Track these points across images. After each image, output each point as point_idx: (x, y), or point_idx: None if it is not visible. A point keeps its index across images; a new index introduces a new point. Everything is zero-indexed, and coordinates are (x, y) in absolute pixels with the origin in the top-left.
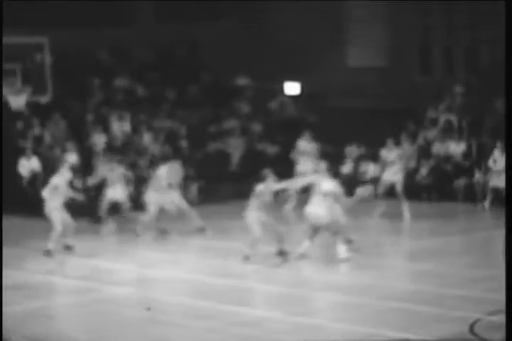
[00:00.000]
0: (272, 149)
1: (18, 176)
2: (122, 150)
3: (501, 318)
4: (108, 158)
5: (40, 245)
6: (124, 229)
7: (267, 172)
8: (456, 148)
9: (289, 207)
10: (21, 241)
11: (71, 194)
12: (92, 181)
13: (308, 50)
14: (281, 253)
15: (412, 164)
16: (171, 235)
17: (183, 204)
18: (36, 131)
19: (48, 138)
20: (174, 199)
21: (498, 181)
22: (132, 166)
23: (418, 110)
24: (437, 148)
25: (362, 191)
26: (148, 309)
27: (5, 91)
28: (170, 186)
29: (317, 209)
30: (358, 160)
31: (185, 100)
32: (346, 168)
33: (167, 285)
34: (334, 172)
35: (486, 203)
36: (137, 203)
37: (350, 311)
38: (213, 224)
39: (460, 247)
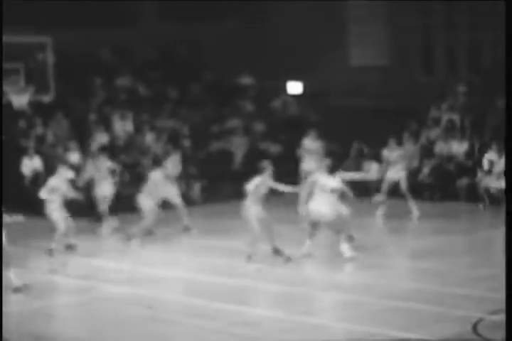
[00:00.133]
0: (274, 148)
1: (20, 175)
2: (125, 150)
3: (503, 317)
4: (96, 157)
5: (41, 244)
6: (125, 228)
7: (266, 164)
8: (458, 147)
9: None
10: (22, 240)
11: (71, 194)
12: (81, 181)
13: (310, 49)
14: (276, 252)
15: (415, 163)
16: (156, 236)
17: (178, 200)
18: (39, 130)
19: (50, 138)
20: (171, 192)
21: (490, 182)
22: (135, 166)
23: (420, 109)
24: (440, 148)
25: (377, 198)
26: (150, 308)
27: (8, 90)
28: (168, 178)
29: (321, 206)
30: (360, 159)
31: (187, 99)
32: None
33: (168, 285)
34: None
35: (481, 205)
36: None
37: (351, 310)
38: (216, 224)
39: (462, 246)
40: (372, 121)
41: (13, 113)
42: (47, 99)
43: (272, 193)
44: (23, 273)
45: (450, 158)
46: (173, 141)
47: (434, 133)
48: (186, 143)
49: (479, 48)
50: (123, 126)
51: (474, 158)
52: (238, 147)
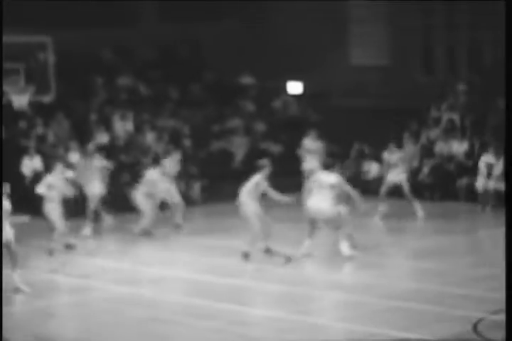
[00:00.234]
0: (275, 148)
1: (20, 175)
2: (125, 150)
3: (504, 317)
4: (90, 156)
5: (41, 244)
6: (125, 227)
7: (265, 162)
8: (458, 147)
9: None
10: (23, 240)
11: (69, 192)
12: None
13: (311, 49)
14: (268, 251)
15: (415, 163)
16: (156, 236)
17: (176, 198)
18: (39, 130)
19: (51, 138)
20: (169, 191)
21: (485, 184)
22: (135, 165)
23: (421, 109)
24: (440, 148)
25: (380, 209)
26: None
27: (8, 90)
28: (166, 176)
29: (320, 202)
30: (360, 160)
31: (188, 99)
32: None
33: (168, 284)
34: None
35: (480, 206)
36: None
37: (351, 310)
38: (216, 223)
39: (462, 246)
40: (372, 121)
41: (13, 113)
42: (47, 99)
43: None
44: (24, 273)
45: (450, 157)
46: (174, 140)
47: (434, 133)
48: (187, 142)
49: (479, 48)
50: (123, 126)
51: (474, 157)
52: (239, 147)
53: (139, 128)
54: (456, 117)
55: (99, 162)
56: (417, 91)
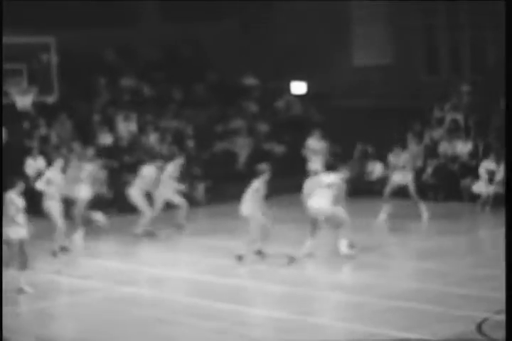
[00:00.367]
0: (278, 148)
1: (24, 176)
2: (129, 151)
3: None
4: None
5: (45, 245)
6: (127, 228)
7: (265, 167)
8: (462, 147)
9: None
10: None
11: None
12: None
13: (314, 49)
14: (259, 253)
15: (419, 164)
16: (159, 236)
17: (179, 199)
18: (42, 131)
19: (54, 138)
20: (170, 193)
21: (481, 187)
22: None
23: (424, 109)
24: (444, 148)
25: (381, 216)
26: None
27: (11, 91)
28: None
29: (319, 201)
30: (364, 160)
31: (191, 100)
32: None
33: (171, 285)
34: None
35: (479, 207)
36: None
37: (352, 310)
38: (219, 224)
39: (465, 247)
40: (375, 122)
41: (16, 114)
42: (50, 99)
43: (273, 193)
44: (27, 273)
45: (454, 158)
46: (178, 141)
47: (438, 133)
48: (190, 143)
49: (483, 48)
50: (127, 127)
51: (478, 158)
52: (242, 147)
53: (142, 129)
54: (459, 117)
55: (91, 166)
56: (420, 91)
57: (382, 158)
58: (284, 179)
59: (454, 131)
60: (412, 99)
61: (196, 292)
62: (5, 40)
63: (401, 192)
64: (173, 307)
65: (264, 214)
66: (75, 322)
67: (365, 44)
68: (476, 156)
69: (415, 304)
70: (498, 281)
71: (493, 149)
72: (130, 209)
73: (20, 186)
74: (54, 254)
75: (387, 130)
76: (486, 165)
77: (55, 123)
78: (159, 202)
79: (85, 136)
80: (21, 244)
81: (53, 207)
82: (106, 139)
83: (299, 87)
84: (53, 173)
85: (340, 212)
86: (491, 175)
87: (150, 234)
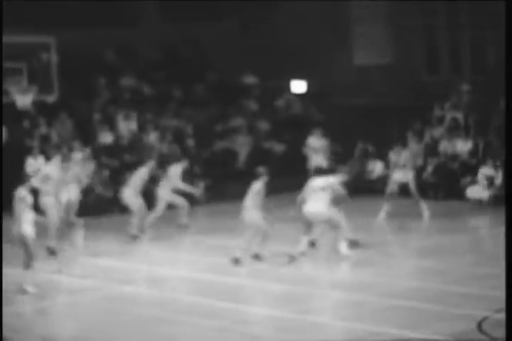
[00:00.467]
0: (278, 147)
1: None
2: (129, 150)
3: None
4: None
5: (46, 244)
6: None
7: (262, 170)
8: (462, 146)
9: None
10: None
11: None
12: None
13: (314, 48)
14: (256, 257)
15: (419, 162)
16: (159, 235)
17: (179, 199)
18: (43, 130)
19: (54, 138)
20: (170, 194)
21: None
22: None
23: (424, 108)
24: (444, 147)
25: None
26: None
27: (11, 90)
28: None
29: (315, 205)
30: (364, 159)
31: (191, 99)
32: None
33: (173, 284)
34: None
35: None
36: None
37: (352, 309)
38: (219, 223)
39: (464, 245)
40: (375, 121)
41: (17, 113)
42: (51, 99)
43: (272, 192)
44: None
45: (454, 156)
46: (178, 140)
47: (438, 131)
48: (190, 142)
49: (483, 47)
50: (127, 126)
51: (478, 157)
52: (242, 146)
53: (142, 128)
54: (459, 116)
55: (77, 167)
56: (420, 90)
57: (383, 157)
58: (284, 178)
59: (454, 130)
60: (412, 98)
61: (196, 291)
62: (5, 39)
63: (402, 191)
64: (174, 306)
65: (265, 218)
66: (76, 322)
67: (365, 43)
68: (476, 155)
69: (415, 303)
70: (498, 280)
71: (492, 148)
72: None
73: (30, 183)
74: (51, 253)
75: (388, 129)
76: (485, 172)
77: (56, 122)
78: (162, 204)
79: (86, 135)
80: (24, 241)
81: (49, 203)
82: (106, 138)
83: (299, 86)
84: (50, 170)
85: (337, 215)
86: (490, 181)
87: (142, 232)
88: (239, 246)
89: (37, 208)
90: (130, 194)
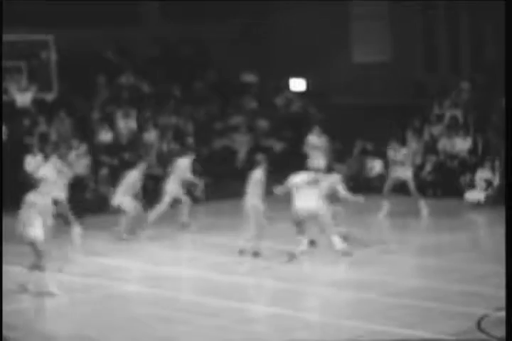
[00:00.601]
0: (278, 145)
1: (24, 173)
2: (129, 148)
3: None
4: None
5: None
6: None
7: (261, 157)
8: (461, 144)
9: None
10: None
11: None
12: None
13: (313, 46)
14: (256, 254)
15: (418, 160)
16: (159, 234)
17: (182, 196)
18: (42, 128)
19: (53, 136)
20: (176, 188)
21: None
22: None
23: (424, 106)
24: (443, 144)
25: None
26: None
27: (11, 88)
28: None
29: (306, 202)
30: (363, 157)
31: (191, 97)
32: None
33: (174, 283)
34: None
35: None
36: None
37: (356, 307)
38: (219, 221)
39: (464, 243)
40: (375, 118)
41: (16, 111)
42: (50, 97)
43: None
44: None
45: (453, 154)
46: (177, 138)
47: (437, 129)
48: (190, 140)
49: (482, 45)
50: (126, 124)
51: (477, 154)
52: (241, 144)
53: (142, 126)
54: (459, 114)
55: (66, 169)
56: (419, 88)
57: (382, 155)
58: (284, 176)
59: (454, 128)
60: (411, 96)
61: (196, 289)
62: (4, 37)
63: (401, 189)
64: (173, 304)
65: (264, 213)
66: (75, 320)
67: (364, 41)
68: (475, 153)
69: (416, 301)
70: (499, 278)
71: (492, 146)
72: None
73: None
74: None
75: (387, 127)
76: (482, 175)
77: (55, 120)
78: (168, 198)
79: (85, 133)
80: (34, 243)
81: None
82: (105, 136)
83: (298, 84)
84: (47, 169)
85: (326, 211)
86: (488, 184)
87: (132, 233)
88: (243, 238)
89: None
90: (121, 195)
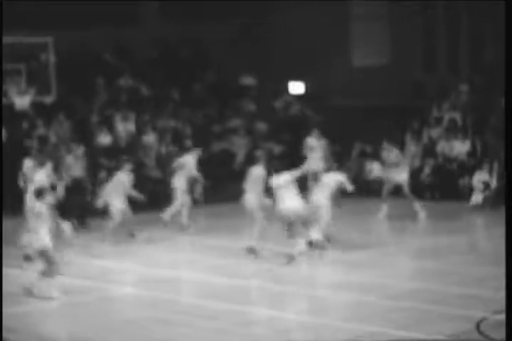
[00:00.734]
0: (277, 148)
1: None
2: (127, 151)
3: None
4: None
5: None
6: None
7: (261, 153)
8: (460, 146)
9: None
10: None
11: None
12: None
13: (312, 49)
14: (251, 251)
15: (417, 163)
16: (136, 239)
17: (184, 197)
18: (41, 131)
19: (52, 138)
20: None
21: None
22: (139, 166)
23: (422, 109)
24: (442, 147)
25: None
26: None
27: (10, 91)
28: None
29: (290, 202)
30: (362, 159)
31: (189, 99)
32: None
33: (173, 285)
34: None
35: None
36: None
37: (355, 310)
38: (217, 224)
39: (463, 246)
40: (374, 121)
41: (15, 114)
42: (49, 99)
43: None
44: (24, 274)
45: (452, 157)
46: (176, 141)
47: (436, 132)
48: (188, 143)
49: (481, 47)
50: (125, 127)
51: (476, 157)
52: (240, 147)
53: (140, 129)
54: (457, 117)
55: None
56: (418, 90)
57: (381, 157)
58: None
59: (452, 130)
60: (410, 98)
61: (195, 292)
62: (4, 40)
63: (398, 192)
64: (172, 307)
65: (264, 211)
66: (74, 323)
67: (363, 43)
68: (473, 155)
69: (415, 303)
70: (497, 281)
71: (490, 148)
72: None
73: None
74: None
75: (386, 129)
76: (480, 177)
77: (54, 123)
78: (180, 193)
79: (83, 136)
80: (44, 252)
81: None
82: (104, 139)
83: (297, 87)
84: (42, 175)
85: (308, 211)
86: (486, 186)
87: (131, 236)
88: (251, 236)
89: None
90: (112, 195)
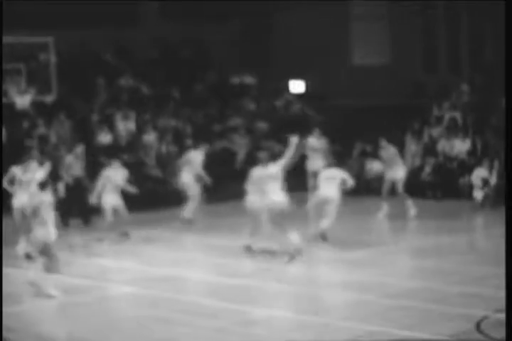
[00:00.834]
0: (277, 147)
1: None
2: (128, 150)
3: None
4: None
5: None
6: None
7: (264, 154)
8: (461, 145)
9: None
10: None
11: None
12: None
13: (313, 48)
14: (248, 249)
15: (417, 162)
16: (130, 239)
17: (194, 192)
18: (41, 130)
19: (53, 138)
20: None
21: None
22: (139, 165)
23: (423, 108)
24: (442, 146)
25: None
26: None
27: (10, 91)
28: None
29: (273, 195)
30: (363, 159)
31: (190, 99)
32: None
33: (173, 284)
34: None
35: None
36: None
37: (355, 309)
38: (218, 223)
39: (464, 245)
40: (374, 120)
41: (15, 113)
42: (49, 99)
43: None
44: (25, 273)
45: (452, 156)
46: (176, 140)
47: (437, 131)
48: (189, 142)
49: (481, 46)
50: (126, 126)
51: (477, 156)
52: (241, 146)
53: (141, 128)
54: (458, 116)
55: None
56: (418, 89)
57: (381, 157)
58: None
59: (453, 129)
60: (410, 98)
61: (195, 291)
62: (4, 39)
63: (396, 190)
64: (172, 306)
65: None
66: (74, 322)
67: (363, 42)
68: (474, 154)
69: (415, 302)
70: (498, 279)
71: (490, 147)
72: (128, 208)
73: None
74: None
75: (386, 128)
76: (479, 174)
77: (54, 122)
78: (192, 191)
79: (84, 135)
80: (46, 247)
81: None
82: (105, 138)
83: (297, 86)
84: (42, 174)
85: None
86: (485, 183)
87: (124, 234)
88: (247, 233)
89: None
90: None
